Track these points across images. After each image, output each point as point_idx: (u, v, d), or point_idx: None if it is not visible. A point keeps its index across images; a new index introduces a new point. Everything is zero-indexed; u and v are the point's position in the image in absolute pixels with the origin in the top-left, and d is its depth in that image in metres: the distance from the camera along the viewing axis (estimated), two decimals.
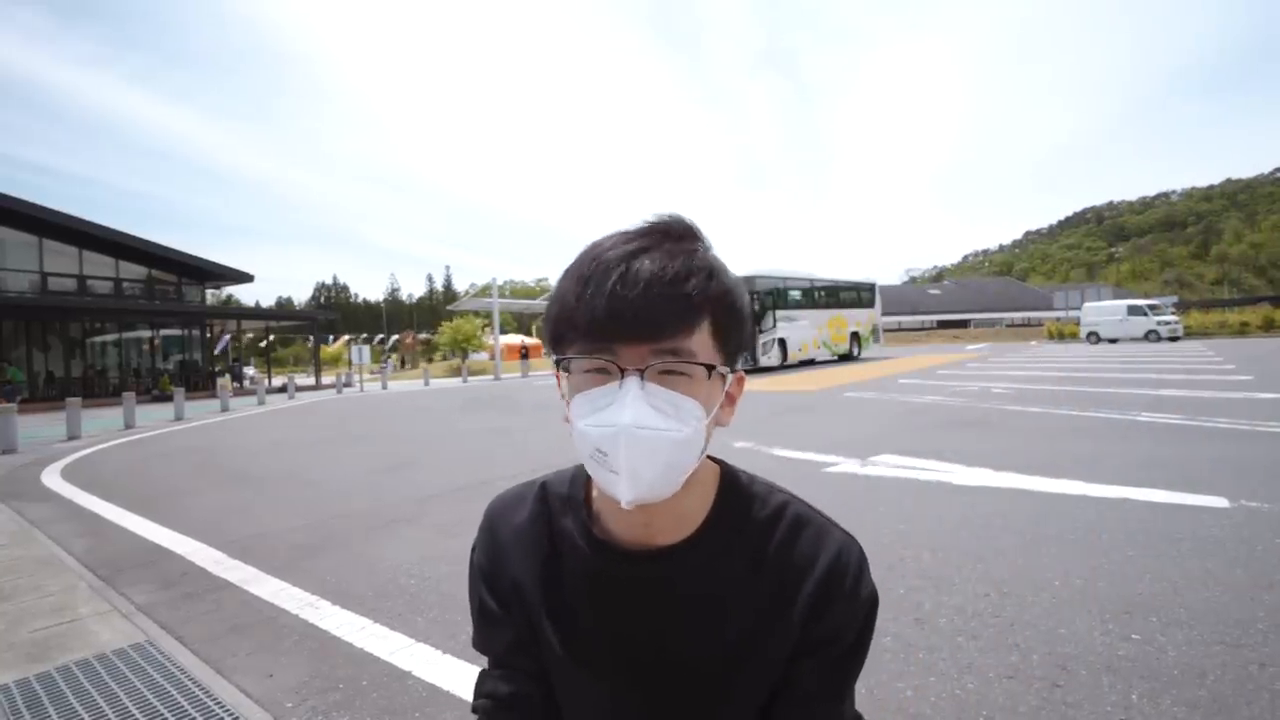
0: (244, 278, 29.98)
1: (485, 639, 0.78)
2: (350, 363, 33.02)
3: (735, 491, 0.73)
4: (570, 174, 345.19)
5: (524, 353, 23.68)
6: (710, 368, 0.62)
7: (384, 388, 24.50)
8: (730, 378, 0.66)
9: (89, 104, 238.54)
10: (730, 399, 0.68)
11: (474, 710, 0.76)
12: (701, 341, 0.62)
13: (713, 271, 0.63)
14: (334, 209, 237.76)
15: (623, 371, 0.60)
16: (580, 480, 0.77)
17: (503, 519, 0.80)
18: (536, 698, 0.73)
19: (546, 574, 0.75)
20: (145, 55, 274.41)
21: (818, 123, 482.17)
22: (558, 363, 0.65)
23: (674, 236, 0.65)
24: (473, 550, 0.82)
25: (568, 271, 0.65)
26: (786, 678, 0.69)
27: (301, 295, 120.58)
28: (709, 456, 0.72)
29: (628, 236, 0.64)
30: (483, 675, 0.78)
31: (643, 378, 0.60)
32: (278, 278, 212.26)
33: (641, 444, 0.59)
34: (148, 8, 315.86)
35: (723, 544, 0.70)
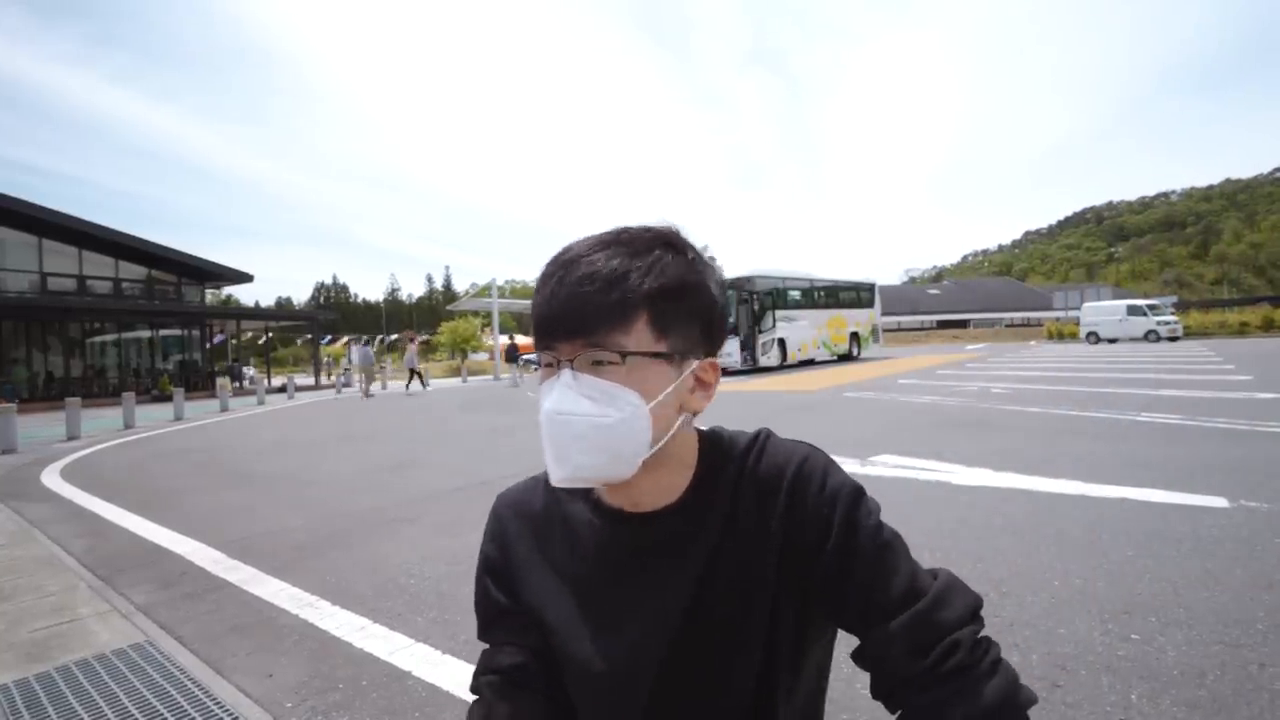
0: (243, 278, 29.98)
1: (488, 627, 0.82)
2: (350, 363, 32.99)
3: (715, 445, 0.77)
4: (564, 175, 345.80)
5: (512, 353, 22.86)
6: (625, 355, 0.65)
7: (384, 388, 24.48)
8: (695, 365, 0.71)
9: (78, 103, 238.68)
10: (702, 384, 0.72)
11: (474, 690, 0.79)
12: (634, 334, 0.65)
13: (651, 270, 0.66)
14: (331, 209, 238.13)
15: (559, 363, 0.67)
16: None
17: (512, 511, 0.83)
18: (535, 669, 0.77)
19: (563, 556, 0.78)
20: (132, 54, 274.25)
21: (811, 121, 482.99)
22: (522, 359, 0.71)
23: (625, 240, 0.68)
24: (482, 542, 0.86)
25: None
26: (826, 600, 0.70)
27: (301, 295, 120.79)
28: (697, 429, 0.78)
29: (586, 241, 0.70)
30: (485, 654, 0.81)
31: (573, 367, 0.65)
32: (276, 278, 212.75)
33: (562, 427, 0.65)
34: (133, 7, 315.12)
35: (712, 492, 0.74)
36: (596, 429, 0.64)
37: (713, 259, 0.74)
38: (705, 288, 0.70)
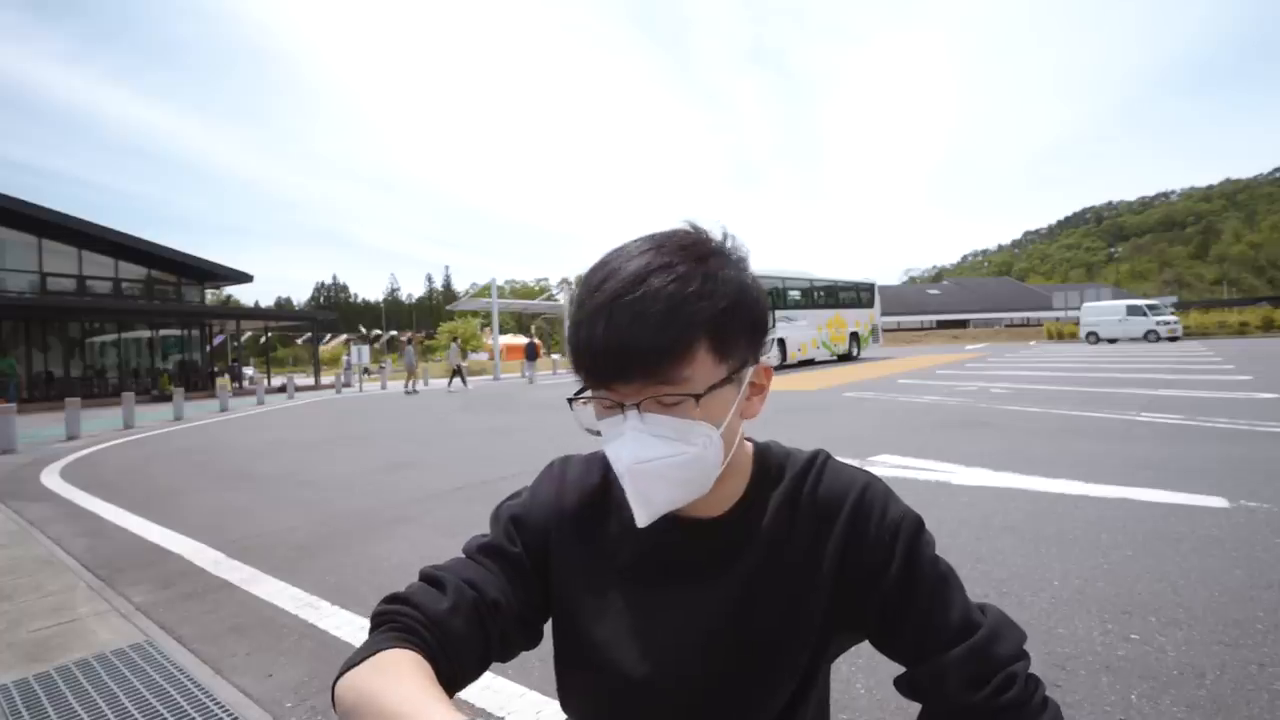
0: (243, 278, 29.98)
1: (488, 551, 0.77)
2: (352, 362, 33.01)
3: (769, 459, 0.77)
4: (563, 174, 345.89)
5: (532, 352, 24.18)
6: (699, 396, 0.63)
7: (383, 388, 24.50)
8: (749, 373, 0.69)
9: (77, 101, 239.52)
10: (758, 389, 0.71)
11: (430, 578, 0.73)
12: (700, 362, 0.63)
13: (705, 288, 0.63)
14: (331, 210, 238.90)
15: (623, 406, 0.64)
16: None
17: (575, 486, 0.81)
18: (506, 615, 0.72)
19: (611, 546, 0.77)
20: (128, 54, 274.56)
21: (809, 121, 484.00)
22: (575, 396, 0.69)
23: (672, 252, 0.64)
24: (512, 496, 0.83)
25: (575, 295, 0.67)
26: (880, 628, 0.70)
27: (301, 296, 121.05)
28: (748, 440, 0.77)
29: (629, 258, 0.64)
30: (465, 563, 0.76)
31: (639, 410, 0.63)
32: (275, 277, 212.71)
33: (644, 477, 0.64)
34: (127, 4, 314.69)
35: (764, 505, 0.74)
36: (676, 467, 0.64)
37: (740, 244, 0.71)
38: (750, 290, 0.67)
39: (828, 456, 0.77)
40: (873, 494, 0.72)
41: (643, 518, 0.67)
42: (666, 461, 0.63)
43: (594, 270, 0.66)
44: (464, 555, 0.78)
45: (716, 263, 0.65)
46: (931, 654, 0.66)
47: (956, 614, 0.67)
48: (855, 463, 0.75)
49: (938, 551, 0.71)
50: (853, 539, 0.70)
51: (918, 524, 0.71)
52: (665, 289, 0.61)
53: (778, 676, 0.71)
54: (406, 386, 20.92)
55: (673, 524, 0.73)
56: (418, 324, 79.16)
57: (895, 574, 0.68)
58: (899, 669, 0.71)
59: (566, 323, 0.70)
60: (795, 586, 0.71)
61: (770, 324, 0.72)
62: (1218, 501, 4.02)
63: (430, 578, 0.73)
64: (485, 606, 0.70)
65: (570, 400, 0.69)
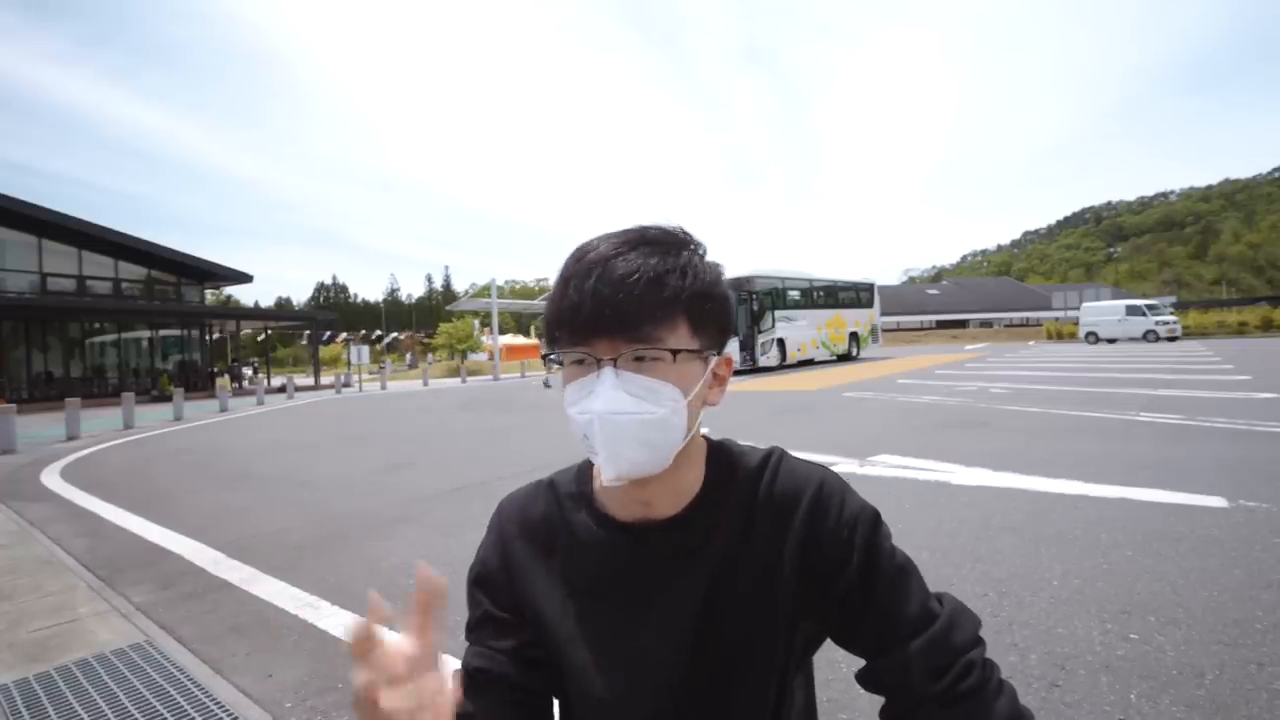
0: (243, 278, 29.98)
1: (469, 630, 0.80)
2: (349, 363, 33.03)
3: (723, 456, 0.77)
4: (561, 175, 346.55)
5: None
6: (676, 352, 0.66)
7: (383, 388, 24.50)
8: (715, 360, 0.72)
9: (75, 103, 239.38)
10: (719, 380, 0.74)
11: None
12: (676, 332, 0.67)
13: (686, 271, 0.67)
14: (329, 211, 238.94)
15: (599, 362, 0.66)
16: (585, 474, 0.81)
17: (516, 519, 0.81)
18: (500, 672, 0.74)
19: (567, 568, 0.77)
20: (124, 55, 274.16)
21: (805, 120, 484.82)
22: (544, 358, 0.71)
23: (652, 239, 0.69)
24: (479, 550, 0.84)
25: (557, 273, 0.70)
26: (841, 622, 0.70)
27: (301, 296, 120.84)
28: (704, 436, 0.78)
29: (610, 239, 0.69)
30: (465, 654, 0.79)
31: (615, 366, 0.65)
32: (274, 278, 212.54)
33: (615, 428, 0.65)
34: (123, 6, 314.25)
35: (719, 504, 0.74)
36: (644, 425, 0.65)
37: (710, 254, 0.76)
38: (723, 287, 0.72)
39: (783, 453, 0.78)
40: (829, 489, 0.73)
41: (610, 473, 0.67)
42: (636, 418, 0.64)
43: (576, 250, 0.70)
44: (466, 641, 0.80)
45: (692, 254, 0.70)
46: (892, 646, 0.67)
47: (915, 605, 0.69)
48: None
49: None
50: (812, 535, 0.71)
51: (875, 517, 0.72)
52: (649, 261, 0.66)
53: (758, 677, 0.71)
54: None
55: (623, 530, 0.74)
56: (418, 324, 79.15)
57: (855, 568, 0.69)
58: None
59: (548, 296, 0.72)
60: (758, 586, 0.71)
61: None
62: (1217, 501, 4.02)
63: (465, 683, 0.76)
64: (502, 688, 0.73)
65: (544, 357, 0.70)
